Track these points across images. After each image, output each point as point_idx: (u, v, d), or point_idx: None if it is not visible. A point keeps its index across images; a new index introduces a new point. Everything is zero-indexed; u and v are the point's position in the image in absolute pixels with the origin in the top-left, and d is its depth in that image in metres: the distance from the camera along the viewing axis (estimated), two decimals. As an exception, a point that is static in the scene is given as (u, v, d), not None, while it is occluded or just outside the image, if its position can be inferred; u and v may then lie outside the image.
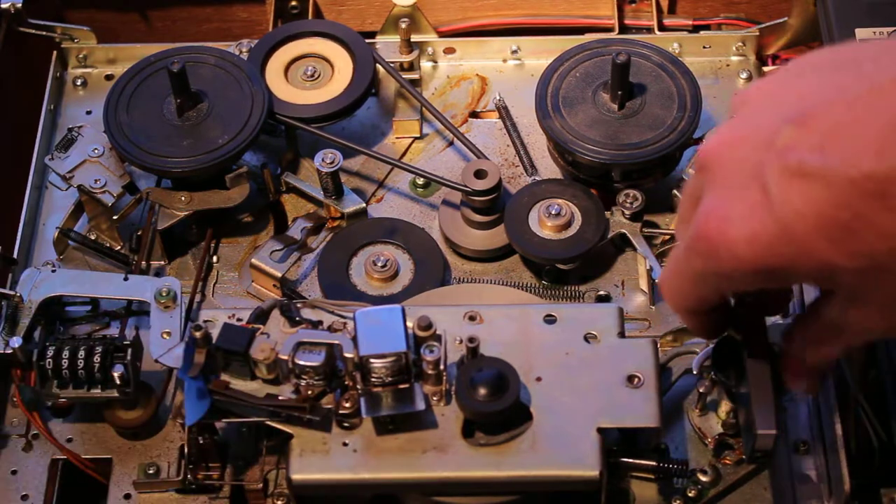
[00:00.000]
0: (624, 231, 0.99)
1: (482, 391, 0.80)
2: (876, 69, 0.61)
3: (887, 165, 0.58)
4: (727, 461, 0.88)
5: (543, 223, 0.99)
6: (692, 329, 0.81)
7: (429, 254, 1.01)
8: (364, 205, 1.04)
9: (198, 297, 1.00)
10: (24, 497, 0.92)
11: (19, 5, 1.12)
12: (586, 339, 0.85)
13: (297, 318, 0.85)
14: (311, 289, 1.01)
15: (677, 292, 0.73)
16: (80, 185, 1.00)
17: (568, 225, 0.99)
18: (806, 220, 0.61)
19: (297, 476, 0.81)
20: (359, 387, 0.81)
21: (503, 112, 1.10)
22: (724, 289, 0.72)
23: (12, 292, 0.94)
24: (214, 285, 1.02)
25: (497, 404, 0.80)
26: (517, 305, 0.90)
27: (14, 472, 0.93)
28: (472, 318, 0.86)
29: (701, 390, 0.88)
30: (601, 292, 1.00)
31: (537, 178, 1.05)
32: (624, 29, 1.18)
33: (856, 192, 0.59)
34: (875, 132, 0.59)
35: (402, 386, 0.81)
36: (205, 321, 0.85)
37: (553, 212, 0.99)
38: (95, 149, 1.02)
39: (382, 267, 0.99)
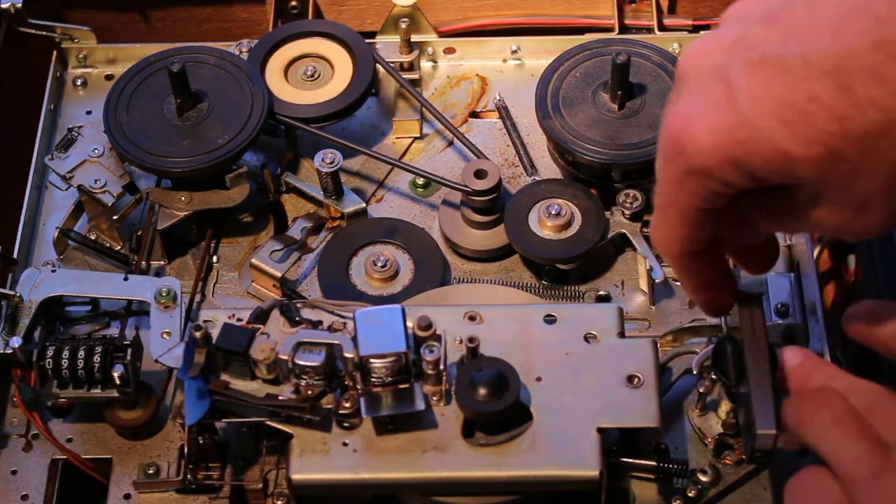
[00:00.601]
0: (624, 231, 0.99)
1: (482, 391, 0.80)
2: None
3: (841, 45, 0.60)
4: (727, 461, 0.88)
5: (543, 223, 0.99)
6: (693, 290, 0.79)
7: (429, 254, 1.01)
8: (364, 205, 1.04)
9: (198, 297, 1.00)
10: (24, 497, 0.92)
11: (19, 5, 1.12)
12: (586, 339, 0.85)
13: (297, 318, 0.85)
14: (311, 289, 1.01)
15: (663, 226, 0.73)
16: (80, 185, 1.00)
17: (568, 225, 0.99)
18: (763, 104, 0.63)
19: (297, 476, 0.81)
20: (359, 387, 0.81)
21: (503, 112, 1.10)
22: (702, 194, 0.70)
23: (12, 292, 0.94)
24: (214, 285, 1.02)
25: (497, 404, 0.80)
26: (517, 305, 0.90)
27: (14, 472, 0.93)
28: (472, 318, 0.86)
29: (701, 390, 0.88)
30: (601, 292, 1.00)
31: (537, 178, 1.05)
32: (624, 29, 1.18)
33: (811, 73, 0.61)
34: (831, 15, 0.61)
35: (402, 386, 0.81)
36: (205, 321, 0.85)
37: (553, 212, 0.99)
38: (95, 149, 1.02)
39: (382, 267, 0.99)
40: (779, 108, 0.62)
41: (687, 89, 0.67)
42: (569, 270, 1.00)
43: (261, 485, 0.88)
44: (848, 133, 0.61)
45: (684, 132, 0.66)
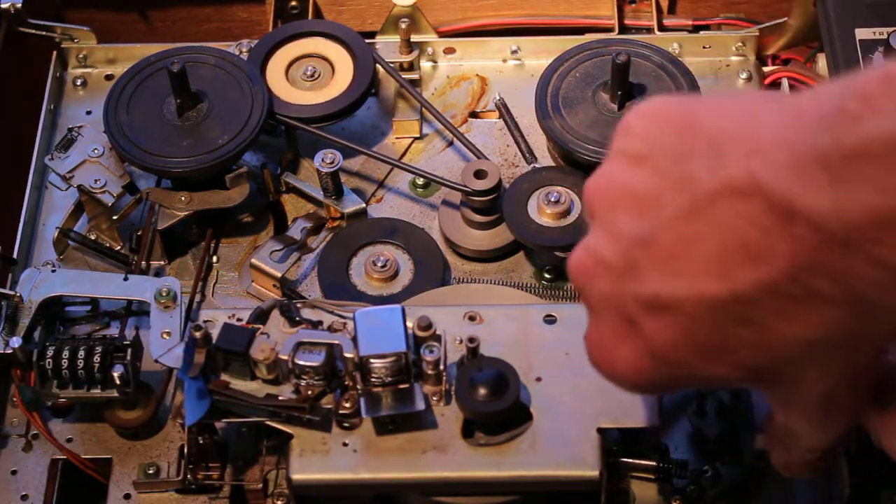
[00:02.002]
0: None
1: (482, 391, 0.80)
2: (707, 169, 0.59)
3: (729, 288, 0.58)
4: (727, 461, 0.88)
5: (542, 210, 0.99)
6: None
7: (429, 254, 1.01)
8: (364, 205, 1.04)
9: (198, 297, 1.00)
10: (24, 497, 0.92)
11: (19, 5, 1.12)
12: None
13: (297, 318, 0.85)
14: (311, 289, 1.01)
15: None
16: (80, 185, 1.00)
17: (567, 212, 0.99)
18: (678, 347, 0.62)
19: (297, 476, 0.81)
20: (359, 387, 0.81)
21: (503, 108, 1.10)
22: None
23: (12, 292, 0.94)
24: (214, 285, 1.02)
25: (497, 404, 0.80)
26: (517, 305, 0.90)
27: (14, 472, 0.93)
28: (472, 318, 0.86)
29: (701, 390, 0.88)
30: (601, 292, 1.00)
31: (537, 166, 1.05)
32: (624, 29, 1.18)
33: (712, 315, 0.59)
34: (711, 253, 0.58)
35: (402, 386, 0.81)
36: (205, 321, 0.85)
37: (552, 199, 0.99)
38: (95, 149, 1.02)
39: (382, 267, 0.99)
40: (695, 347, 0.61)
41: (591, 311, 0.66)
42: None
43: (261, 485, 0.88)
44: (774, 357, 0.60)
45: (609, 367, 0.66)
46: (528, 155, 1.06)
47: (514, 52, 1.15)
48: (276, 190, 1.06)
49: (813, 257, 0.55)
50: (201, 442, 0.87)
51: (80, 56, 1.15)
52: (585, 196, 0.65)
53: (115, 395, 0.89)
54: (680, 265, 0.59)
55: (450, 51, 1.15)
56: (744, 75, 1.12)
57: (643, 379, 0.65)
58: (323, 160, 1.01)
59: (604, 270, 0.63)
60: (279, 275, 0.99)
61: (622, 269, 0.62)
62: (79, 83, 1.15)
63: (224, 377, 0.84)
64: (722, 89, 1.11)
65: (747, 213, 0.56)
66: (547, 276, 1.01)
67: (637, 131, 0.63)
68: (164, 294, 0.92)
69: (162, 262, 1.03)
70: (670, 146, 0.61)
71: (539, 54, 1.14)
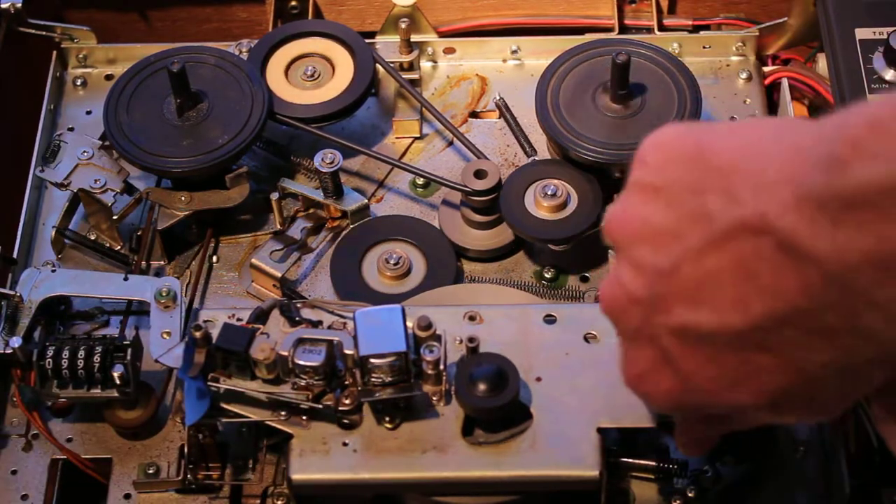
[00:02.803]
0: None
1: (482, 387, 0.80)
2: (721, 205, 0.61)
3: (748, 319, 0.61)
4: (727, 461, 0.88)
5: (539, 203, 0.99)
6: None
7: (441, 252, 1.01)
8: (366, 201, 1.04)
9: (198, 297, 1.00)
10: (24, 497, 0.92)
11: (19, 5, 1.12)
12: (586, 339, 0.85)
13: (297, 318, 0.85)
14: (311, 289, 1.01)
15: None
16: (80, 188, 1.00)
17: (564, 206, 0.99)
18: (705, 373, 0.65)
19: (297, 476, 0.81)
20: (358, 386, 0.81)
21: (503, 108, 1.10)
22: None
23: (12, 292, 0.94)
24: (214, 285, 1.02)
25: (497, 400, 0.80)
26: (517, 305, 0.90)
27: (14, 472, 0.93)
28: (472, 318, 0.86)
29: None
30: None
31: (536, 159, 1.05)
32: (624, 29, 1.18)
33: (734, 343, 0.62)
34: (730, 286, 0.61)
35: (401, 386, 0.81)
36: (205, 321, 0.85)
37: (549, 192, 0.99)
38: (84, 151, 1.02)
39: (395, 265, 0.99)
40: (719, 375, 0.64)
41: (622, 337, 0.70)
42: (569, 269, 1.00)
43: (261, 485, 0.88)
44: (793, 381, 0.63)
45: (641, 390, 0.71)
46: (528, 148, 1.06)
47: (514, 52, 1.15)
48: (284, 220, 1.04)
49: (820, 294, 0.57)
50: (201, 442, 0.87)
51: (80, 56, 1.15)
52: (607, 228, 0.68)
53: (115, 395, 0.89)
54: (703, 297, 0.62)
55: (450, 51, 1.15)
56: (744, 75, 1.12)
57: (676, 402, 0.69)
58: (323, 160, 1.01)
59: (633, 303, 0.67)
60: (279, 275, 0.99)
61: (649, 301, 0.65)
62: (79, 83, 1.15)
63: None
64: (722, 89, 1.11)
65: (759, 250, 0.59)
66: (547, 276, 1.01)
67: (651, 163, 0.66)
68: (164, 294, 0.92)
69: (162, 262, 1.03)
70: (683, 179, 0.64)
71: (539, 54, 1.14)
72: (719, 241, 0.61)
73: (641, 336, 0.68)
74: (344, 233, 1.03)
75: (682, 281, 0.63)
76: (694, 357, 0.65)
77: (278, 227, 1.02)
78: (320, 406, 0.81)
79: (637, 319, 0.67)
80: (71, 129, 1.09)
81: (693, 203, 0.63)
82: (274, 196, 1.00)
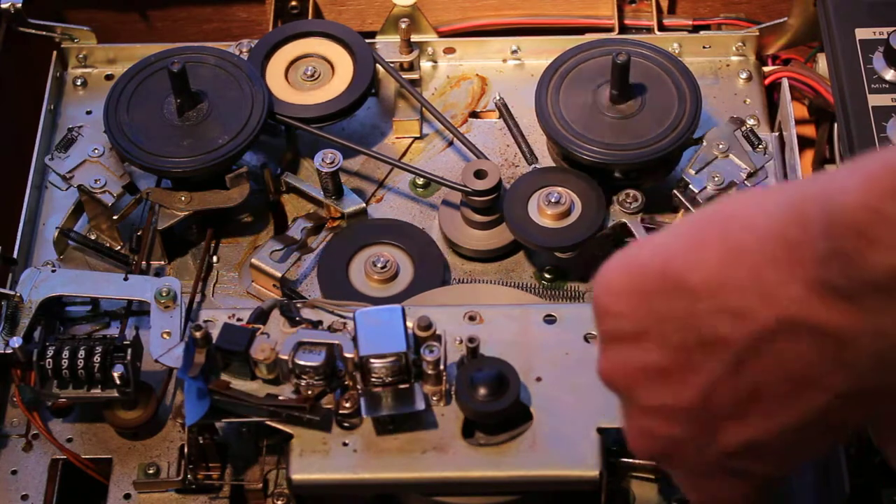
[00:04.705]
0: (625, 221, 0.99)
1: (482, 391, 0.80)
2: (730, 326, 0.60)
3: (798, 415, 0.61)
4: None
5: (543, 211, 0.99)
6: None
7: (429, 254, 1.01)
8: (364, 205, 1.04)
9: (198, 297, 1.00)
10: (24, 497, 0.92)
11: (19, 5, 1.12)
12: (586, 339, 0.85)
13: (297, 318, 0.85)
14: (311, 289, 1.01)
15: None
16: (80, 185, 1.00)
17: (567, 213, 0.99)
18: (778, 468, 0.66)
19: (297, 476, 0.81)
20: (359, 387, 0.81)
21: (503, 108, 1.10)
22: None
23: (12, 292, 0.94)
24: (214, 285, 1.02)
25: (497, 404, 0.80)
26: (517, 305, 0.90)
27: (14, 472, 0.93)
28: (472, 318, 0.86)
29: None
30: (601, 292, 1.00)
31: (537, 166, 1.05)
32: (624, 29, 1.18)
33: (794, 433, 0.63)
34: (774, 391, 0.61)
35: (402, 386, 0.81)
36: (205, 321, 0.85)
37: (553, 199, 0.99)
38: (95, 149, 1.02)
39: (382, 268, 0.99)
40: (787, 462, 0.65)
41: (697, 480, 0.69)
42: (569, 269, 1.00)
43: (261, 485, 0.88)
44: (829, 441, 0.65)
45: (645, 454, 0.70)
46: (528, 155, 1.06)
47: (514, 52, 1.15)
48: (277, 190, 1.05)
49: (858, 366, 0.58)
50: (201, 442, 0.87)
51: (80, 56, 1.15)
52: (602, 381, 0.67)
53: (115, 395, 0.89)
54: (750, 410, 0.62)
55: (450, 51, 1.15)
56: (744, 75, 1.12)
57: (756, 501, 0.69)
58: (323, 160, 1.01)
59: (677, 446, 0.66)
60: (279, 275, 0.99)
61: (693, 437, 0.64)
62: (79, 83, 1.15)
63: (224, 377, 0.84)
64: (722, 89, 1.11)
65: (794, 348, 0.58)
66: (547, 276, 1.01)
67: (618, 311, 0.63)
68: (164, 294, 0.92)
69: (162, 262, 1.03)
70: (665, 314, 0.62)
71: (539, 54, 1.14)
72: (746, 358, 0.60)
73: (707, 471, 0.67)
74: (330, 236, 1.03)
75: (724, 405, 0.62)
76: (765, 463, 0.65)
77: (270, 199, 1.04)
78: (318, 419, 0.81)
79: (691, 457, 0.66)
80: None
81: (691, 334, 0.61)
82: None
